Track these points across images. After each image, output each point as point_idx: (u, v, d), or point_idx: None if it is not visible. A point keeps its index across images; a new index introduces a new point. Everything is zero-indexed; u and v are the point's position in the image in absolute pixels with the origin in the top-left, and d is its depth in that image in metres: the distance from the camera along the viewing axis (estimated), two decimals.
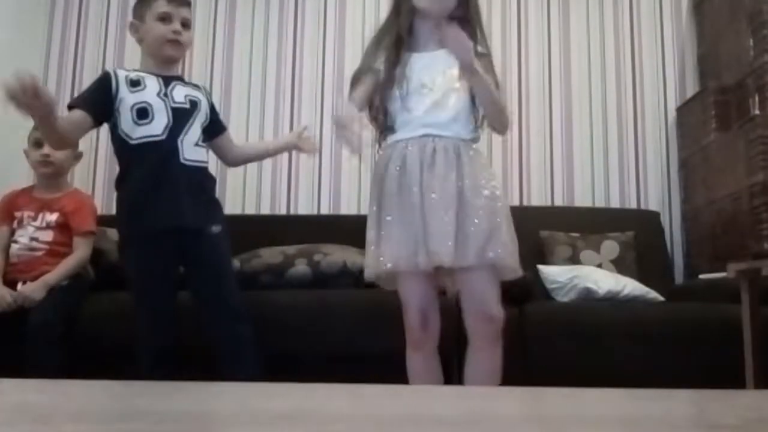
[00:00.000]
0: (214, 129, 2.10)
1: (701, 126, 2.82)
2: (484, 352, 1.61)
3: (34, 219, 2.32)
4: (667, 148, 3.09)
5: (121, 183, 1.96)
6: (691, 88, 3.07)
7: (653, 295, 2.42)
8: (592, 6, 3.19)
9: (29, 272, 2.22)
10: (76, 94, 3.20)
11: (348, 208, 3.07)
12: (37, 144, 2.37)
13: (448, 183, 1.61)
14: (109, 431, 0.56)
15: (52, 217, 2.32)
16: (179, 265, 1.95)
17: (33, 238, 2.29)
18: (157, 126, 1.90)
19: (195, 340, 1.90)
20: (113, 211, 3.01)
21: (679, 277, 2.95)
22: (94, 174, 3.12)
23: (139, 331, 1.90)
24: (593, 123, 3.10)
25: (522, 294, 2.14)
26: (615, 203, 3.05)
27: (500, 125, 1.74)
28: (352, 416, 0.66)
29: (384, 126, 1.76)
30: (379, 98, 1.74)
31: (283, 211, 3.08)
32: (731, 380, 1.90)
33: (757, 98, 2.52)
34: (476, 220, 1.58)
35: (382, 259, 1.61)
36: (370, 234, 1.69)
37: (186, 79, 2.19)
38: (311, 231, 2.69)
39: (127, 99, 1.91)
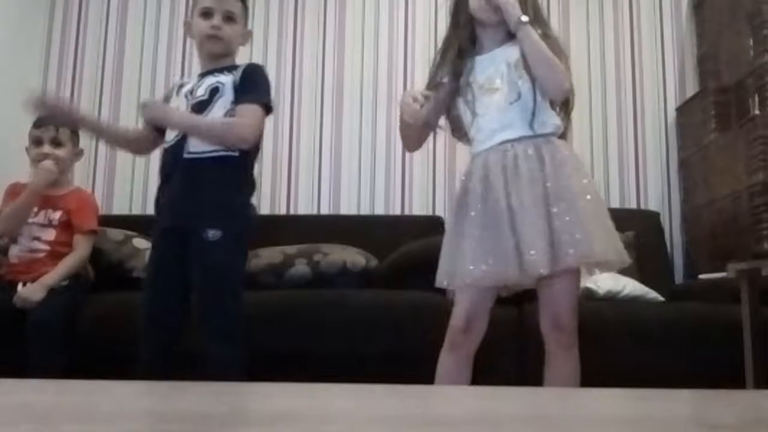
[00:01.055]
0: (236, 100, 1.88)
1: (701, 126, 2.81)
2: (557, 358, 1.61)
3: (36, 216, 2.31)
4: (667, 148, 3.09)
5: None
6: (691, 88, 3.07)
7: (653, 295, 2.42)
8: (591, 6, 3.19)
9: (29, 273, 2.22)
10: (75, 95, 3.23)
11: (348, 208, 3.06)
12: (37, 142, 2.37)
13: (534, 188, 1.57)
14: (109, 431, 0.56)
15: (56, 215, 2.32)
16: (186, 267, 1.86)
17: (35, 238, 2.29)
18: (172, 131, 1.90)
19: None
20: (113, 211, 3.03)
21: (679, 277, 2.95)
22: (94, 173, 3.13)
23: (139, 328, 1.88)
24: (593, 123, 3.09)
25: (522, 294, 2.14)
26: (615, 203, 3.04)
27: (554, 85, 1.62)
28: (352, 416, 0.66)
29: (466, 138, 1.76)
30: (452, 112, 1.75)
31: (283, 211, 3.08)
32: (731, 380, 1.90)
33: (757, 98, 2.51)
34: (558, 223, 1.54)
35: (472, 268, 1.56)
36: (448, 244, 1.66)
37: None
38: (311, 231, 2.69)
39: (171, 104, 1.95)
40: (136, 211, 3.09)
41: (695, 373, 2.06)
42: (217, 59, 1.95)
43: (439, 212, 3.02)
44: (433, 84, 1.75)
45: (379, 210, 3.06)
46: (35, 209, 2.32)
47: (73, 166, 2.63)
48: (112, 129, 2.20)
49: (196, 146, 1.83)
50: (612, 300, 2.35)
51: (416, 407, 0.72)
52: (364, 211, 3.06)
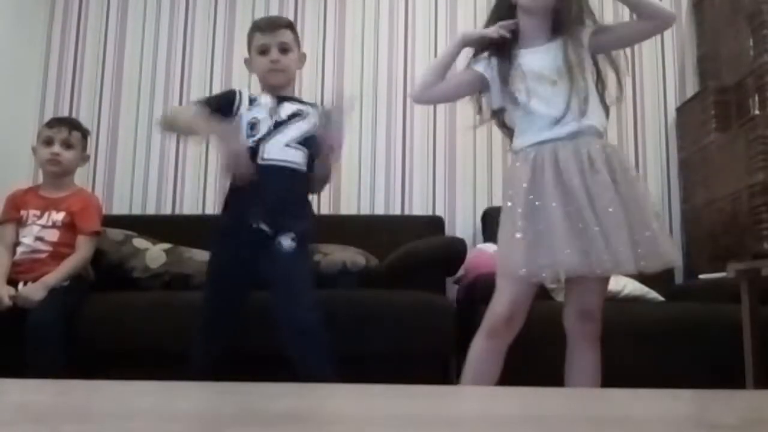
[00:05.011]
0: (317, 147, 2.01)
1: (701, 126, 2.81)
2: (584, 351, 1.62)
3: (40, 217, 2.31)
4: (667, 148, 3.09)
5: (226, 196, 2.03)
6: (691, 88, 3.07)
7: (653, 295, 2.42)
8: (591, 6, 3.19)
9: (30, 273, 2.22)
10: (75, 95, 3.23)
11: (348, 208, 3.06)
12: (48, 142, 2.37)
13: (608, 190, 1.57)
14: (108, 431, 0.56)
15: (59, 216, 2.32)
16: (254, 268, 1.92)
17: (38, 238, 2.29)
18: (255, 136, 1.97)
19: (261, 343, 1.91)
20: (113, 211, 3.03)
21: (679, 277, 2.95)
22: (94, 173, 3.12)
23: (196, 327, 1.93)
24: None
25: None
26: None
27: (665, 15, 1.74)
28: (352, 416, 0.66)
29: (508, 130, 1.77)
30: (494, 101, 1.75)
31: None
32: (731, 380, 1.90)
33: (757, 98, 2.51)
34: (639, 225, 1.56)
35: (568, 251, 1.52)
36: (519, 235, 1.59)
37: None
38: None
39: (245, 116, 2.01)
40: (136, 211, 3.09)
41: (695, 373, 2.06)
42: (282, 89, 2.07)
43: (439, 212, 3.02)
44: (470, 63, 1.77)
45: (379, 210, 3.06)
46: (38, 212, 2.32)
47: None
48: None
49: (275, 153, 1.95)
50: (612, 300, 2.34)
51: (417, 407, 0.72)
52: (364, 211, 3.06)
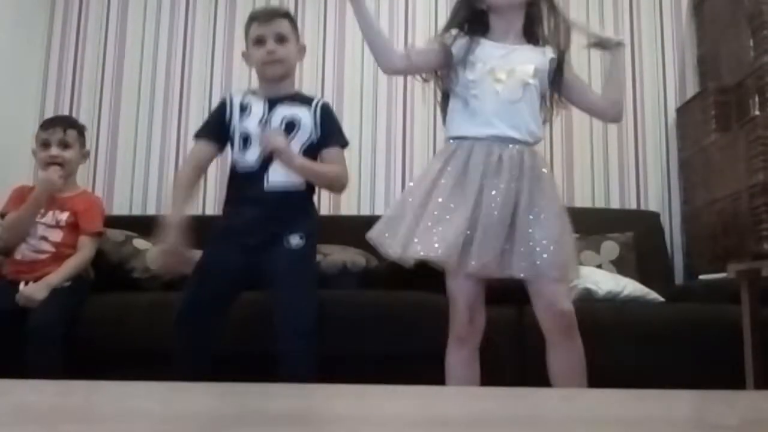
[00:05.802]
0: (321, 143, 2.00)
1: (701, 126, 2.81)
2: (561, 346, 1.61)
3: (44, 216, 2.31)
4: (667, 149, 3.09)
5: (223, 206, 2.04)
6: (691, 89, 3.07)
7: (653, 295, 2.42)
8: (591, 6, 3.19)
9: (32, 273, 2.22)
10: (75, 95, 3.23)
11: (348, 208, 3.06)
12: (45, 144, 2.37)
13: (508, 194, 1.59)
14: (108, 431, 0.56)
15: (63, 216, 2.32)
16: (242, 283, 1.94)
17: (42, 237, 2.29)
18: (252, 155, 1.93)
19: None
20: (113, 212, 3.03)
21: (679, 277, 2.95)
22: (94, 173, 3.12)
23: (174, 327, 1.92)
24: (593, 123, 3.09)
25: (522, 294, 2.14)
26: (615, 204, 3.04)
27: (618, 109, 1.80)
28: (352, 416, 0.66)
29: (443, 106, 1.77)
30: (445, 73, 1.73)
31: None
32: (731, 380, 1.90)
33: (757, 99, 2.51)
34: (530, 231, 1.57)
35: (437, 246, 1.57)
36: (412, 215, 1.63)
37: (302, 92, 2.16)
38: None
39: (237, 127, 1.97)
40: (136, 211, 3.09)
41: (695, 373, 2.06)
42: (280, 83, 2.01)
43: None
44: (439, 36, 1.75)
45: (379, 210, 3.05)
46: (42, 210, 2.32)
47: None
48: (186, 209, 2.07)
49: (276, 181, 1.92)
50: (612, 301, 2.35)
51: (416, 407, 0.72)
52: (364, 211, 3.06)
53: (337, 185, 2.05)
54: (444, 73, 1.75)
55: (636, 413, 0.70)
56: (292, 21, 2.05)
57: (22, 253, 2.28)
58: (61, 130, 2.37)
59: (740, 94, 2.63)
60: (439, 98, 1.80)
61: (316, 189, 2.08)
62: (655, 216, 2.94)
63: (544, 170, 1.67)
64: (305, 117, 1.98)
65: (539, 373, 1.79)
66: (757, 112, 2.50)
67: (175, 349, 1.87)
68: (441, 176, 1.63)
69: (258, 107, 1.98)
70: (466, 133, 1.67)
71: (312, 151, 1.98)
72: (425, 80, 1.79)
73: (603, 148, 3.09)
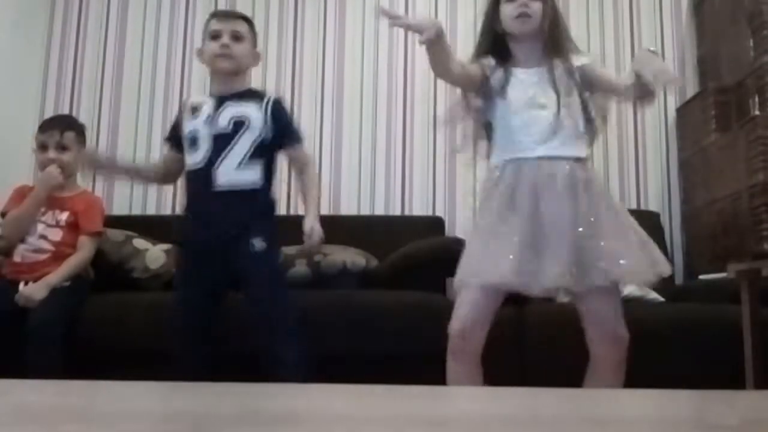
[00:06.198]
0: (280, 142, 2.03)
1: (701, 126, 2.81)
2: (607, 374, 1.59)
3: (44, 214, 2.31)
4: (667, 149, 3.09)
5: (183, 208, 2.08)
6: (691, 89, 3.07)
7: (653, 295, 2.42)
8: (591, 6, 3.19)
9: (31, 273, 2.22)
10: (75, 95, 3.23)
11: (348, 208, 3.06)
12: (43, 147, 2.37)
13: (562, 208, 1.58)
14: (109, 431, 0.56)
15: (63, 215, 2.32)
16: (222, 282, 1.98)
17: (42, 236, 2.29)
18: (199, 154, 1.96)
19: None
20: (113, 212, 3.03)
21: (679, 277, 2.95)
22: (94, 173, 3.12)
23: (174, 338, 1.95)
24: None
25: (522, 294, 2.14)
26: None
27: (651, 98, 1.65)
28: (352, 416, 0.66)
29: (486, 136, 1.78)
30: (481, 102, 1.74)
31: (283, 212, 3.07)
32: (731, 380, 1.90)
33: (757, 99, 2.51)
34: (594, 240, 1.56)
35: (490, 269, 1.56)
36: (475, 244, 1.65)
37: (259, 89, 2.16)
38: None
39: (186, 127, 2.01)
40: (136, 211, 3.09)
41: (695, 373, 2.06)
42: (231, 79, 2.02)
43: (439, 212, 3.02)
44: (475, 55, 1.75)
45: (379, 210, 3.05)
46: (43, 209, 2.32)
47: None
48: (145, 169, 2.31)
49: (228, 178, 1.93)
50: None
51: (416, 407, 0.72)
52: (364, 211, 3.06)
53: (317, 179, 2.13)
54: (477, 103, 1.76)
55: (636, 413, 0.70)
56: (252, 26, 2.08)
57: (22, 253, 2.28)
58: (59, 133, 2.36)
59: (740, 94, 2.63)
60: (470, 131, 1.81)
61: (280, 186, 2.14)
62: (655, 216, 2.94)
63: (597, 183, 1.68)
64: (255, 114, 1.98)
65: (539, 373, 1.80)
66: (757, 112, 2.50)
67: (175, 356, 1.90)
68: (491, 198, 1.65)
69: (208, 106, 2.00)
70: (512, 156, 1.67)
71: (262, 148, 1.98)
72: (464, 114, 1.80)
73: (603, 147, 3.08)
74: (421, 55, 3.14)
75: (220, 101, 1.99)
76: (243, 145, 1.95)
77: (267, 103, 2.01)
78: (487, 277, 1.57)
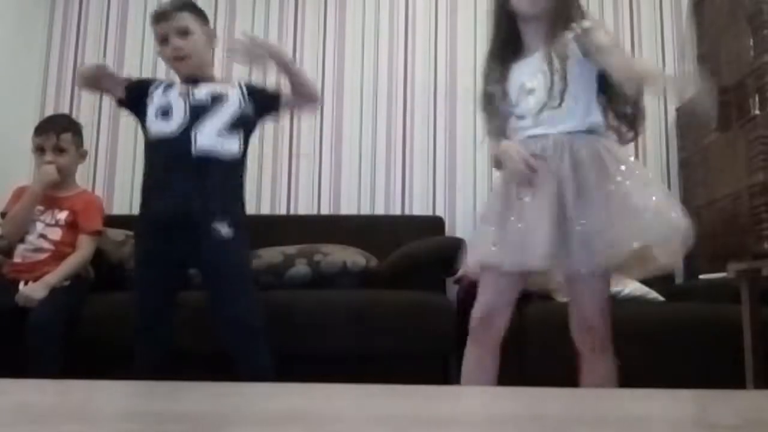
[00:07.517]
0: (270, 105, 2.04)
1: (701, 126, 2.81)
2: (588, 363, 1.59)
3: (43, 213, 2.32)
4: (667, 148, 3.08)
5: (143, 182, 2.01)
6: (691, 88, 3.07)
7: (653, 295, 2.42)
8: (592, 6, 3.19)
9: (31, 273, 2.22)
10: (75, 95, 3.23)
11: (348, 208, 3.06)
12: (40, 149, 2.37)
13: (547, 182, 1.54)
14: (109, 431, 0.56)
15: (62, 215, 2.33)
16: (184, 263, 1.92)
17: (41, 235, 2.29)
18: (172, 124, 1.91)
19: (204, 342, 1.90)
20: (113, 211, 3.03)
21: (679, 277, 2.94)
22: (94, 173, 3.12)
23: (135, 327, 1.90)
24: None
25: (521, 294, 2.14)
26: None
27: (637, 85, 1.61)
28: (352, 416, 0.66)
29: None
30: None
31: (283, 211, 3.07)
32: (731, 380, 1.90)
33: (757, 98, 2.51)
34: (584, 221, 1.50)
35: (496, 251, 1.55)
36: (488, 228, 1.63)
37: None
38: (311, 231, 2.69)
39: (156, 100, 1.96)
40: (136, 211, 3.08)
41: (695, 373, 2.06)
42: (196, 72, 2.00)
43: (439, 212, 3.02)
44: (488, 95, 1.74)
45: (379, 210, 3.05)
46: (42, 208, 2.32)
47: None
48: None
49: (207, 143, 1.87)
50: (612, 300, 2.35)
51: (416, 407, 0.72)
52: (364, 211, 3.05)
53: (314, 91, 2.10)
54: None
55: (636, 413, 0.70)
56: (194, 10, 2.03)
57: (22, 253, 2.29)
58: (55, 136, 2.36)
59: (740, 93, 2.63)
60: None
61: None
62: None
63: (598, 147, 1.58)
64: (231, 92, 1.98)
65: (539, 373, 1.80)
66: (757, 112, 2.49)
67: (134, 350, 1.85)
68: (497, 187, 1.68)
69: (176, 85, 1.99)
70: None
71: (242, 120, 1.95)
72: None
73: None
74: (421, 55, 3.16)
75: (194, 81, 1.97)
76: (223, 114, 1.93)
77: (240, 84, 2.02)
78: (523, 260, 1.53)
